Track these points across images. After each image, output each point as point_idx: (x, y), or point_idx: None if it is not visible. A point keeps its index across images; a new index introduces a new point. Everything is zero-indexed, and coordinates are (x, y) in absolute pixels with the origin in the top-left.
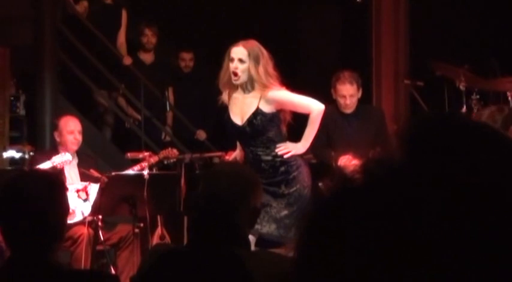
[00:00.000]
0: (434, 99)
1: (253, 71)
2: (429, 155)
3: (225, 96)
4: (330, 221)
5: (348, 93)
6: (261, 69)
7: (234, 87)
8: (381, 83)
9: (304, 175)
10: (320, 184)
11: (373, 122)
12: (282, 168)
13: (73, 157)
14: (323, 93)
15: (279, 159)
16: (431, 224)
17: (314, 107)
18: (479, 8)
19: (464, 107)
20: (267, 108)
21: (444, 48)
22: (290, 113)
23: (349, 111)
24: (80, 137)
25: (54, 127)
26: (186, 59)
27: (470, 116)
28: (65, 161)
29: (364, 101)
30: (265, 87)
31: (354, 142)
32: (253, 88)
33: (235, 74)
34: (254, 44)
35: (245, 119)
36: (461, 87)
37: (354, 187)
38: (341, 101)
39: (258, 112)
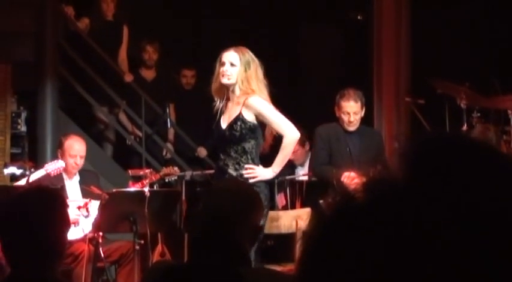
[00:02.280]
0: (435, 117)
1: (243, 76)
2: (431, 175)
3: (218, 104)
4: (332, 239)
5: (352, 110)
6: (250, 74)
7: (224, 94)
8: (382, 101)
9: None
10: (321, 202)
11: (373, 142)
12: None
13: (75, 174)
14: (324, 111)
15: (242, 179)
16: (432, 243)
17: (289, 132)
18: (480, 26)
19: (465, 124)
20: (248, 116)
21: (445, 66)
22: (272, 135)
23: (352, 128)
24: (81, 162)
25: (59, 144)
26: (188, 76)
27: (471, 135)
28: (58, 168)
29: (365, 119)
30: (250, 91)
31: (355, 160)
32: (239, 92)
33: (225, 75)
34: (245, 50)
35: (228, 123)
36: (462, 105)
37: (356, 205)
38: (344, 118)
39: (239, 117)
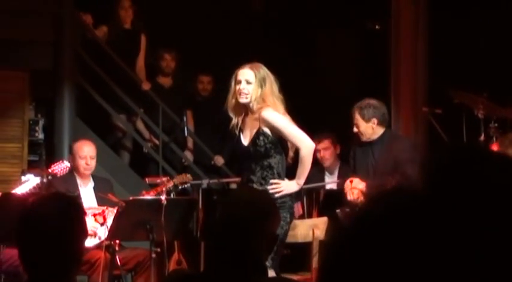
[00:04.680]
0: (452, 127)
1: (258, 93)
2: (450, 186)
3: (236, 121)
4: (351, 250)
5: (355, 121)
6: (265, 91)
7: (242, 111)
8: (399, 110)
9: (285, 214)
10: (338, 211)
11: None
12: None
13: (89, 181)
14: (341, 120)
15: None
16: (454, 253)
17: (304, 143)
18: (498, 35)
19: (483, 135)
20: (267, 129)
21: (463, 75)
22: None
23: (364, 139)
24: (92, 163)
25: (70, 150)
26: (204, 82)
27: (490, 146)
28: (63, 168)
29: None
30: (265, 105)
31: (377, 169)
32: (256, 108)
33: (243, 94)
34: (260, 67)
35: (250, 139)
36: (480, 115)
37: (375, 216)
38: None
39: (260, 132)
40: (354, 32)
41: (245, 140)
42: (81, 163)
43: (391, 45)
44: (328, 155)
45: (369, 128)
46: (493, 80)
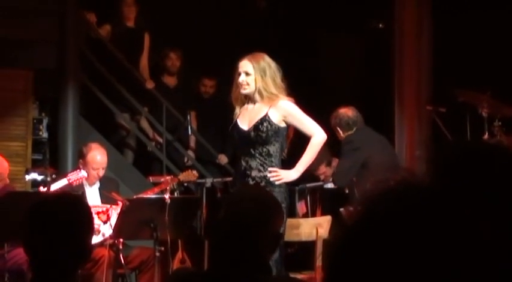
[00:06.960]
0: (456, 126)
1: (260, 83)
2: (459, 181)
3: (237, 112)
4: (358, 247)
5: None
6: (268, 80)
7: (244, 101)
8: (404, 109)
9: None
10: (341, 210)
11: None
12: None
13: (96, 181)
14: None
15: (265, 180)
16: (471, 247)
17: (318, 132)
18: (502, 33)
19: (487, 133)
20: (275, 118)
21: (467, 74)
22: (293, 131)
23: None
24: (102, 173)
25: (81, 154)
26: (207, 86)
27: (500, 144)
28: (80, 177)
29: (387, 127)
30: (275, 96)
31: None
32: (262, 98)
33: (243, 86)
34: (260, 57)
35: (252, 124)
36: (484, 113)
37: (382, 213)
38: None
39: (265, 118)
40: (358, 31)
41: (243, 124)
42: (93, 173)
43: (395, 43)
44: (327, 174)
45: (340, 136)
46: (496, 79)
